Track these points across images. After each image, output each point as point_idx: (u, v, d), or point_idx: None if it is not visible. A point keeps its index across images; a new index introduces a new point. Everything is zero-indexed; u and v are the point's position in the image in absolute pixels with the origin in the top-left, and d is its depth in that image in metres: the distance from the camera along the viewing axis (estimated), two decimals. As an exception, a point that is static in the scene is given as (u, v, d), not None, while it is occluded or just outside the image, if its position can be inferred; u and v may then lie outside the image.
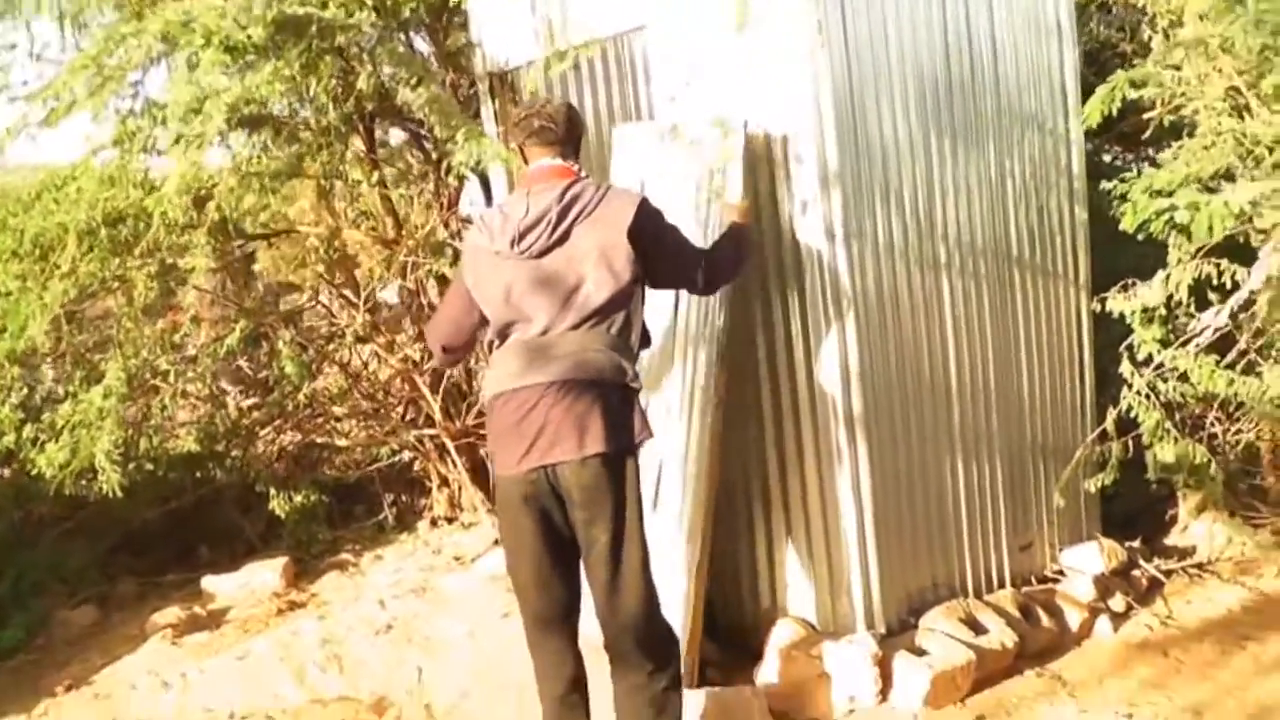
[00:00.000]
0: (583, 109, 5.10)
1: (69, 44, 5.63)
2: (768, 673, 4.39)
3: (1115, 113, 4.52)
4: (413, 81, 5.05)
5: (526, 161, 3.79)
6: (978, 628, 4.51)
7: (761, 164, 4.35)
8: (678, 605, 4.16)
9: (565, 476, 3.49)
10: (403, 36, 5.72)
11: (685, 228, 3.90)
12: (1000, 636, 4.48)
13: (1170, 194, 4.46)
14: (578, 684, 3.73)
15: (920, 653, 4.34)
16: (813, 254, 4.33)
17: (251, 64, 4.37)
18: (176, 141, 4.25)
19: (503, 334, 3.67)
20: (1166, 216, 4.18)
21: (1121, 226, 4.35)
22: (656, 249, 3.66)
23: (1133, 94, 4.49)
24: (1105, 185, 4.79)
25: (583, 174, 3.73)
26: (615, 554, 3.54)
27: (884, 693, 4.25)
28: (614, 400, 3.54)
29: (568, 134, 3.75)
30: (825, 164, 4.25)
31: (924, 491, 4.65)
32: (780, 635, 4.50)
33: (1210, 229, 4.06)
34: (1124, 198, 4.64)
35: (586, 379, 3.50)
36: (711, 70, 4.44)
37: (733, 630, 4.73)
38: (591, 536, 3.54)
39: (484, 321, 3.74)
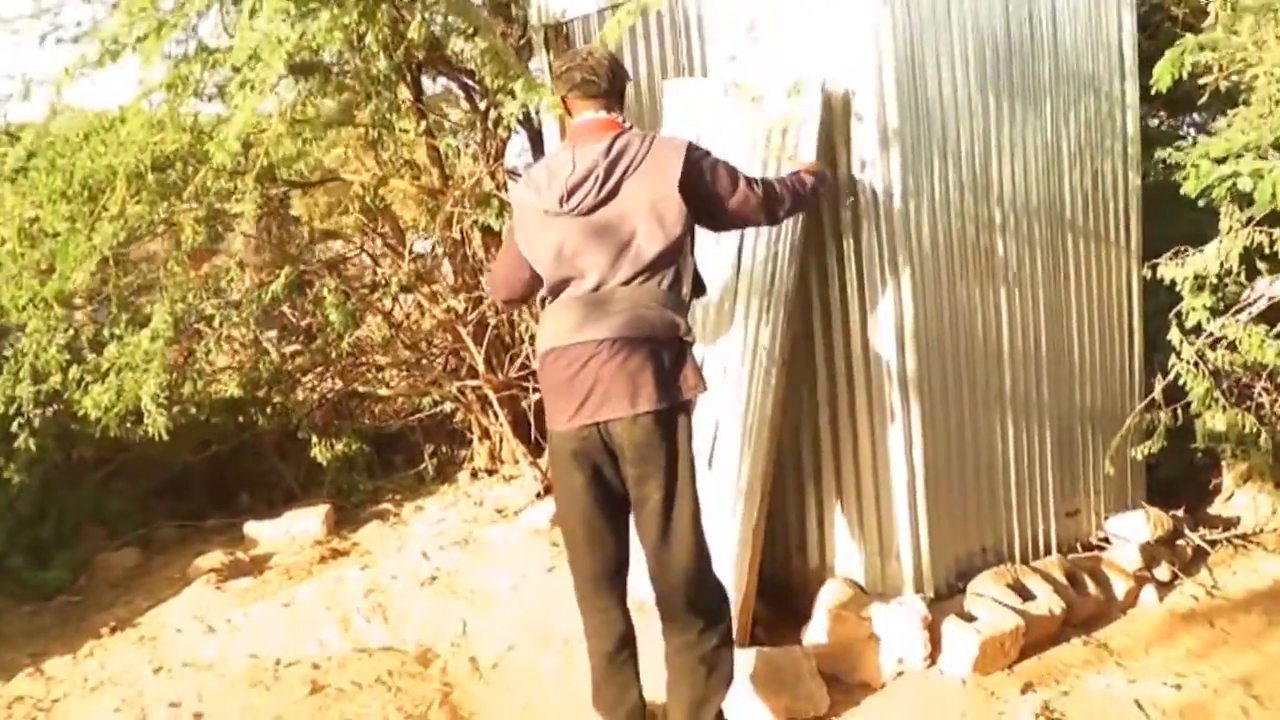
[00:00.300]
0: (634, 64, 5.04)
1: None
2: (816, 633, 4.39)
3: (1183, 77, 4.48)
4: (470, 31, 5.02)
5: (570, 114, 3.75)
6: (1025, 594, 4.51)
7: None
8: (731, 564, 4.17)
9: (617, 433, 3.49)
10: (452, -16, 5.66)
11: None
12: (1048, 603, 4.48)
13: (1222, 161, 4.44)
14: (627, 641, 3.75)
15: (969, 618, 4.34)
16: (870, 212, 4.30)
17: (312, 11, 4.32)
18: (242, 86, 4.21)
19: (556, 290, 3.64)
20: (1229, 183, 4.15)
21: (1183, 191, 4.32)
22: (710, 195, 3.64)
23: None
24: (1160, 153, 4.77)
25: (628, 125, 3.69)
26: (667, 511, 3.54)
27: (932, 657, 4.25)
28: (666, 357, 3.53)
29: (611, 85, 3.70)
30: (885, 123, 4.21)
31: (975, 455, 4.64)
32: (829, 596, 4.49)
33: (1274, 196, 4.04)
34: (1177, 166, 4.62)
35: (639, 336, 3.49)
36: (769, 27, 4.39)
37: (779, 589, 4.72)
38: (644, 494, 3.54)
39: (538, 277, 3.72)
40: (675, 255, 3.56)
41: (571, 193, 3.54)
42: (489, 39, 4.88)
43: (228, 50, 4.78)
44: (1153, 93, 4.38)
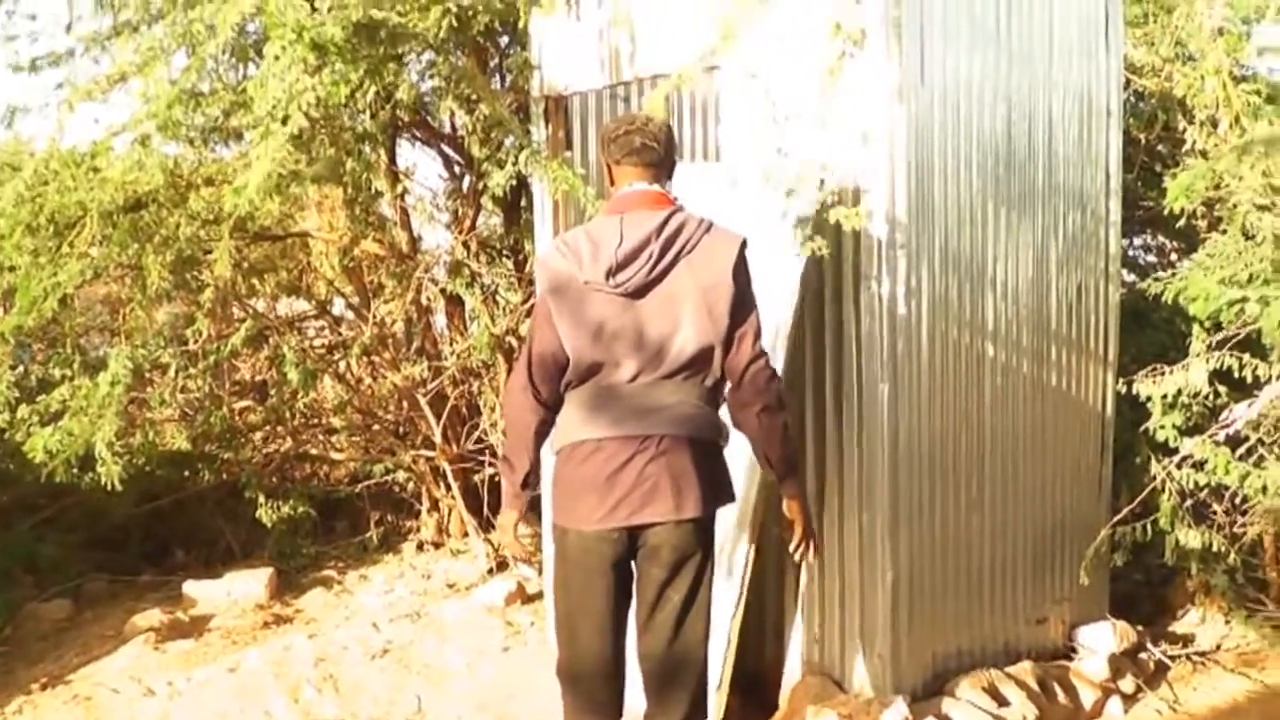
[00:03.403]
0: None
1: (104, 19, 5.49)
2: (793, 728, 4.34)
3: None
4: (473, 98, 4.98)
5: (613, 182, 3.49)
6: (1000, 699, 4.49)
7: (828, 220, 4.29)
8: (718, 656, 4.09)
9: (656, 535, 3.30)
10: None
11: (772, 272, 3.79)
12: (1022, 709, 4.46)
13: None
14: None
15: (947, 720, 4.32)
16: (873, 308, 4.30)
17: (326, 64, 4.25)
18: (263, 137, 4.11)
19: (585, 376, 3.33)
20: (1237, 308, 4.24)
21: (1191, 312, 4.41)
22: (737, 306, 3.32)
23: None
24: (1144, 282, 4.90)
25: (680, 202, 3.44)
26: (683, 615, 3.38)
27: (911, 758, 4.21)
28: (710, 461, 3.37)
29: (665, 157, 3.44)
30: (894, 220, 4.24)
31: (955, 556, 4.63)
32: (806, 690, 4.44)
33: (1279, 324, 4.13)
34: (1156, 297, 4.75)
35: (685, 435, 3.29)
36: (786, 118, 4.40)
37: (749, 679, 4.65)
38: (665, 595, 3.36)
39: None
40: (715, 351, 3.31)
41: (621, 267, 3.26)
42: (494, 107, 4.85)
43: (236, 96, 4.73)
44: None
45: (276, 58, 3.96)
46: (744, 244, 3.37)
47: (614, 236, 3.30)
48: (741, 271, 3.35)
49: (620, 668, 3.46)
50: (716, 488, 3.41)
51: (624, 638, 3.45)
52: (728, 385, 3.43)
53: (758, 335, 3.38)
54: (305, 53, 3.98)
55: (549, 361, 3.35)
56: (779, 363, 4.21)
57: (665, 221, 3.31)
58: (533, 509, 5.04)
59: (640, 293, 3.28)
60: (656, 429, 3.27)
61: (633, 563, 3.40)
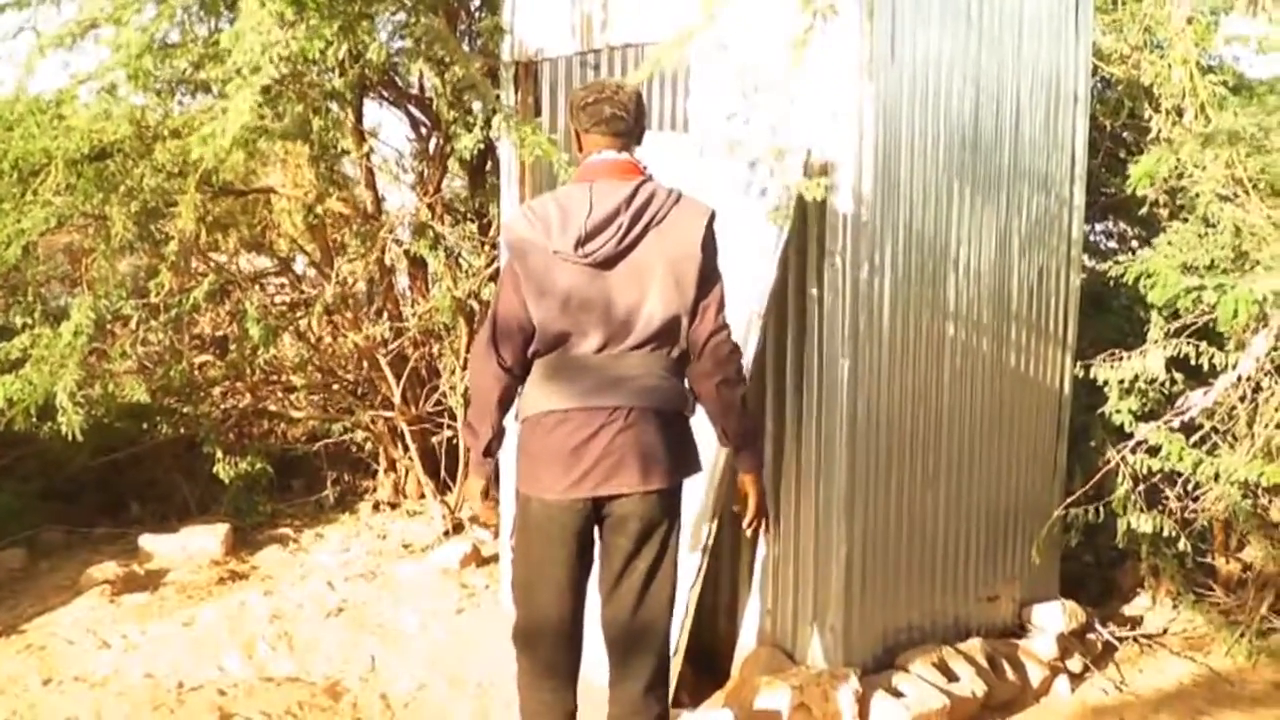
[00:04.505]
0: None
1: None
2: (743, 699, 4.36)
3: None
4: (445, 59, 4.97)
5: (581, 149, 3.47)
6: (950, 674, 4.55)
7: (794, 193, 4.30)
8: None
9: (622, 506, 3.29)
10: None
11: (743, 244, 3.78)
12: (971, 685, 4.52)
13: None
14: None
15: (896, 694, 4.36)
16: (836, 284, 4.33)
17: (302, 19, 4.24)
18: (239, 88, 4.08)
19: (551, 345, 3.32)
20: (1194, 295, 4.28)
21: (1149, 298, 4.44)
22: (704, 277, 3.33)
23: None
24: (1103, 265, 4.93)
25: (648, 172, 3.42)
26: (648, 583, 3.39)
27: (860, 730, 4.26)
28: (676, 432, 3.36)
29: (634, 125, 3.40)
30: (860, 196, 4.26)
31: (909, 534, 4.68)
32: (758, 662, 4.48)
33: (1235, 314, 4.16)
34: (1117, 281, 4.78)
35: (651, 407, 3.29)
36: (757, 91, 4.41)
37: (703, 650, 4.68)
38: (632, 565, 3.37)
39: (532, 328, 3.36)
40: (682, 322, 3.30)
41: (590, 237, 3.23)
42: (467, 69, 4.83)
43: (206, 48, 4.70)
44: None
45: (262, 5, 3.92)
46: (713, 216, 3.36)
47: (583, 205, 3.27)
48: (709, 243, 3.33)
49: (578, 634, 3.48)
50: (683, 459, 3.42)
51: (583, 604, 3.46)
52: None
53: (721, 307, 3.37)
54: (283, 6, 3.96)
55: (513, 326, 3.33)
56: (755, 335, 4.26)
57: (635, 192, 3.28)
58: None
59: (609, 263, 3.26)
60: (624, 400, 3.27)
61: (596, 530, 3.40)
